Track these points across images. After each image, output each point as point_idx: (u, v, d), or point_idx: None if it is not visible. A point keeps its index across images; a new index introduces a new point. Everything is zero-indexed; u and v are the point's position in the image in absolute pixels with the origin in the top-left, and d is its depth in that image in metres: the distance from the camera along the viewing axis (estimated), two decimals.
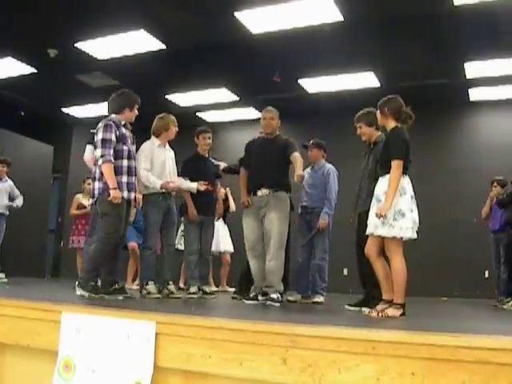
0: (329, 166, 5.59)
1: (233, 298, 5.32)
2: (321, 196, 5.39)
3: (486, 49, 6.93)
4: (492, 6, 5.96)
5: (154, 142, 5.09)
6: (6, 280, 7.04)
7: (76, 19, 6.70)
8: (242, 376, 2.20)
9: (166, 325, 2.42)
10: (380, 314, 3.37)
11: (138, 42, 7.29)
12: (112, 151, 4.11)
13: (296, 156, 4.59)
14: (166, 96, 9.52)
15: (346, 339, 2.04)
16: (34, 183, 8.98)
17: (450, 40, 6.85)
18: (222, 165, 5.52)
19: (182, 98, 9.66)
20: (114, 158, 4.12)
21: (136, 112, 4.44)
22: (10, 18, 6.74)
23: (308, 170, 5.59)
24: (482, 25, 6.26)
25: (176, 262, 5.64)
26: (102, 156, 4.06)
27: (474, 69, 7.72)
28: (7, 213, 7.40)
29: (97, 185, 4.14)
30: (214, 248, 7.30)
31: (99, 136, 4.11)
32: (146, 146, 5.04)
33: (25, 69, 8.39)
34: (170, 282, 5.03)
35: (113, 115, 4.30)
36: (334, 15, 6.40)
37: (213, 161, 5.54)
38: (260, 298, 4.51)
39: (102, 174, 4.08)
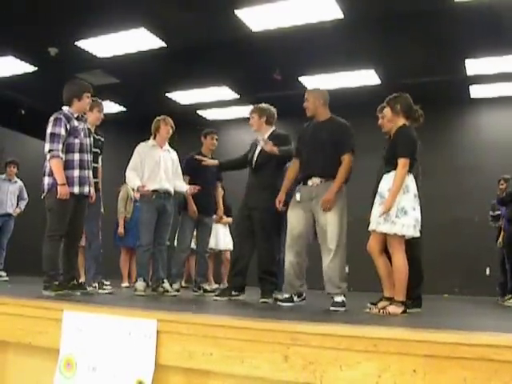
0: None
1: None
2: None
3: (487, 46, 6.92)
4: (492, 3, 5.94)
5: (148, 142, 5.18)
6: (7, 278, 7.06)
7: (76, 18, 6.69)
8: (244, 373, 2.21)
9: (167, 323, 2.42)
10: (381, 312, 3.37)
11: (138, 40, 7.28)
12: (61, 146, 4.04)
13: (344, 160, 4.08)
14: (167, 94, 9.51)
15: (347, 337, 2.04)
16: (35, 182, 8.97)
17: (451, 37, 6.84)
18: (212, 162, 5.26)
19: (183, 96, 9.66)
20: (66, 152, 4.06)
21: (87, 101, 4.28)
22: (10, 16, 6.73)
23: None
24: (483, 22, 6.24)
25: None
26: (49, 151, 4.00)
27: (474, 66, 7.70)
28: (13, 212, 7.50)
29: (46, 180, 4.07)
30: (213, 246, 7.39)
31: (48, 130, 4.05)
32: (139, 146, 5.15)
33: (25, 67, 8.39)
34: (165, 280, 5.10)
35: (64, 108, 4.23)
36: (335, 12, 6.39)
37: (201, 157, 5.34)
38: (296, 299, 4.21)
39: (51, 169, 4.03)
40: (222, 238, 7.53)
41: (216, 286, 7.18)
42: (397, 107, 3.63)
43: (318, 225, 4.12)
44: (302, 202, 4.19)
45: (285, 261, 4.26)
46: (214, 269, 7.70)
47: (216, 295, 4.73)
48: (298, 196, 4.24)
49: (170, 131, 5.21)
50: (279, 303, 4.24)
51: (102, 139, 4.96)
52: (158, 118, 5.27)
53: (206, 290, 5.49)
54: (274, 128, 4.91)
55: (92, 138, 4.43)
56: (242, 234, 4.73)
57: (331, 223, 4.01)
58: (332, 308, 3.89)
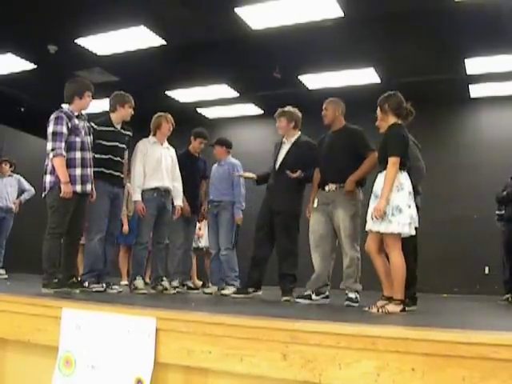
0: (234, 161, 5.74)
1: (235, 296, 5.01)
2: (227, 190, 5.54)
3: (487, 45, 6.91)
4: (493, 2, 5.94)
5: (149, 139, 5.19)
6: (6, 276, 7.06)
7: (76, 15, 6.68)
8: (242, 372, 2.21)
9: (166, 320, 2.42)
10: (380, 310, 3.37)
11: (138, 37, 7.26)
12: (63, 144, 4.04)
13: (371, 157, 4.28)
14: (167, 92, 9.51)
15: (346, 335, 2.05)
16: (35, 179, 8.99)
17: (451, 36, 6.83)
18: (250, 175, 5.39)
19: (183, 94, 9.65)
20: (67, 150, 4.06)
21: (88, 99, 4.30)
22: (10, 14, 6.72)
23: (215, 165, 5.82)
24: (483, 21, 6.24)
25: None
26: (52, 149, 4.00)
27: (474, 65, 7.70)
28: (12, 206, 7.49)
29: (48, 178, 4.07)
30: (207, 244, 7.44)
31: (50, 129, 4.05)
32: (140, 143, 5.15)
33: (25, 65, 8.37)
34: (164, 279, 5.10)
35: (65, 106, 4.22)
36: (335, 11, 6.38)
37: (241, 172, 5.54)
38: (314, 297, 4.44)
39: (53, 167, 4.03)
40: None
41: (200, 282, 7.20)
42: (385, 106, 3.65)
43: (335, 227, 4.44)
44: (320, 207, 4.52)
45: (312, 261, 4.53)
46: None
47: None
48: (315, 202, 4.58)
49: (171, 129, 5.24)
50: (297, 300, 4.46)
51: (130, 134, 4.90)
52: (158, 114, 5.25)
53: (189, 288, 5.55)
54: (299, 133, 5.08)
55: (88, 133, 4.37)
56: (263, 236, 4.91)
57: (345, 228, 4.34)
58: (346, 303, 4.21)
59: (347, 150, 4.42)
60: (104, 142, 4.57)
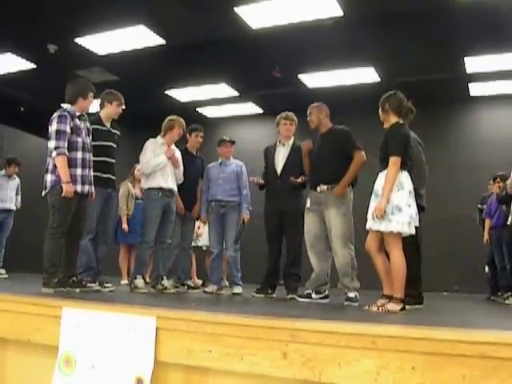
0: (239, 161, 5.75)
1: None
2: (236, 191, 5.54)
3: (486, 43, 6.91)
4: (492, 1, 5.94)
5: (157, 140, 5.21)
6: (6, 276, 7.06)
7: (75, 15, 6.67)
8: (243, 371, 2.21)
9: (166, 320, 2.42)
10: (380, 309, 3.37)
11: (137, 37, 7.25)
12: (66, 143, 4.01)
13: (357, 157, 4.48)
14: (166, 91, 9.50)
15: (346, 334, 2.05)
16: (35, 179, 8.97)
17: (450, 35, 6.83)
18: (261, 181, 5.42)
19: (182, 94, 9.64)
20: (68, 150, 4.03)
21: (91, 100, 4.29)
22: (9, 13, 6.72)
23: (216, 164, 5.73)
24: (482, 19, 6.23)
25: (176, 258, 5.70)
26: (56, 148, 3.97)
27: (474, 63, 7.69)
28: (15, 208, 7.61)
29: (49, 177, 4.04)
30: (207, 243, 7.44)
31: (53, 127, 4.02)
32: (148, 143, 5.17)
33: (25, 64, 8.37)
34: (164, 278, 5.12)
35: (67, 106, 4.19)
36: (334, 10, 6.38)
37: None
38: (314, 296, 4.54)
39: (55, 166, 4.00)
40: None
41: (200, 281, 7.20)
42: (386, 106, 3.66)
43: (327, 227, 4.52)
44: (313, 207, 4.63)
45: (310, 261, 4.63)
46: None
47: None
48: (308, 202, 4.70)
49: (181, 134, 5.27)
50: (297, 298, 4.60)
51: (118, 133, 4.88)
52: (171, 117, 5.27)
53: (189, 287, 5.56)
54: (293, 137, 5.37)
55: (88, 134, 4.34)
56: (273, 237, 5.18)
57: (335, 227, 4.42)
58: (346, 303, 4.27)
59: (336, 151, 4.54)
60: (95, 142, 4.50)
